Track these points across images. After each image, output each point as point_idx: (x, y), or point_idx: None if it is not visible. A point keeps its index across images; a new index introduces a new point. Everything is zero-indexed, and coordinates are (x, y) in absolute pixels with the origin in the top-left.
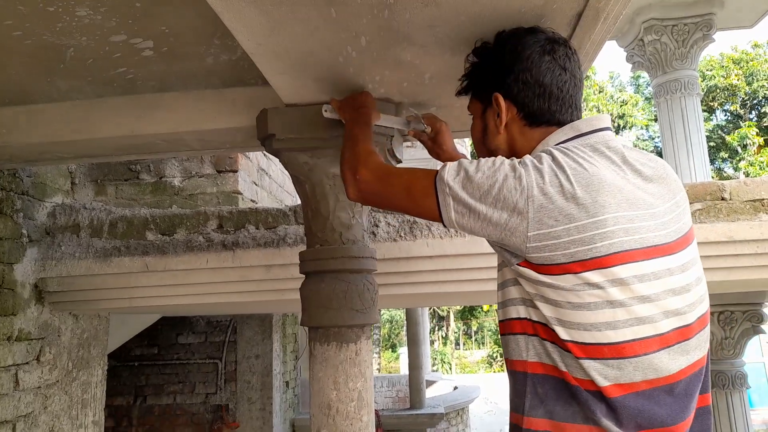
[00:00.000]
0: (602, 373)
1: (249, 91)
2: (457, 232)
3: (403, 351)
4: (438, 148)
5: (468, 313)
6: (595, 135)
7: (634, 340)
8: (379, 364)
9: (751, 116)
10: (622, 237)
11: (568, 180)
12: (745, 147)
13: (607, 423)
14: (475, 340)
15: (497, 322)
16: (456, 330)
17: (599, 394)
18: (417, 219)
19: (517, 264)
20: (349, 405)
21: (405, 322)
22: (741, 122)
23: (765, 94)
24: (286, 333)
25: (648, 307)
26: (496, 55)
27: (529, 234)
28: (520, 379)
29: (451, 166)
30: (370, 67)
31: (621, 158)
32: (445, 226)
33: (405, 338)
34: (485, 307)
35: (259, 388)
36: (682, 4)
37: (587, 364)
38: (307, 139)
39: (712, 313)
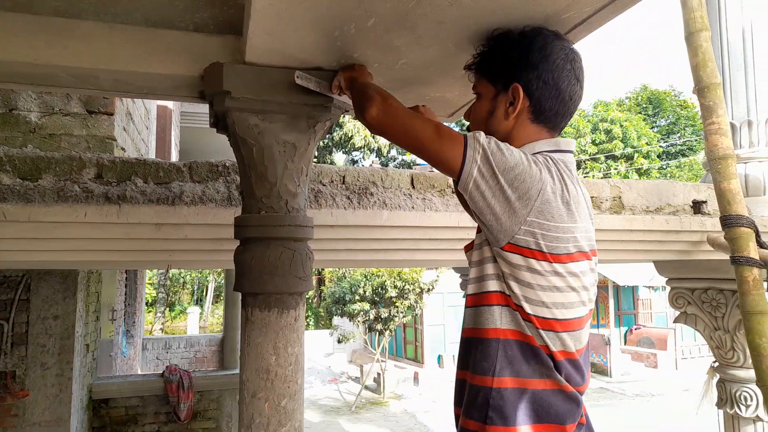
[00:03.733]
0: (553, 342)
1: (187, 37)
2: (359, 203)
3: (192, 311)
4: None
5: None
6: (567, 155)
7: (575, 318)
8: (162, 324)
9: None
10: (581, 242)
11: (566, 189)
12: None
13: (558, 377)
14: None
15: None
16: None
17: (551, 356)
18: (321, 189)
19: (501, 248)
20: (287, 369)
21: (205, 283)
22: None
23: None
24: (90, 291)
25: (585, 294)
26: (522, 48)
27: (528, 218)
28: (491, 344)
29: (481, 133)
30: (360, 45)
31: (576, 180)
32: (457, 180)
33: (182, 298)
34: None
35: (56, 353)
36: None
37: (543, 333)
38: (263, 102)
39: None
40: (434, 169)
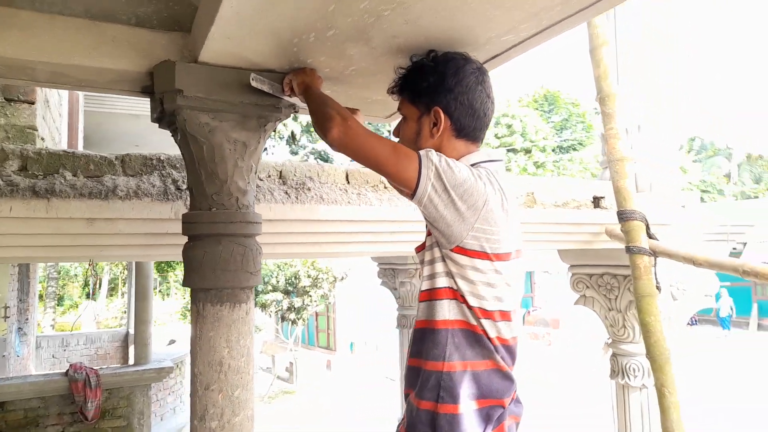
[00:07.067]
0: (492, 329)
1: (132, 32)
2: (297, 198)
3: (86, 305)
4: None
5: (165, 265)
6: (498, 163)
7: (509, 310)
8: (53, 320)
9: None
10: (514, 243)
11: (504, 198)
12: None
13: (497, 358)
14: (160, 291)
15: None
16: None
17: (491, 341)
18: (259, 184)
19: (450, 249)
20: (240, 360)
21: (99, 276)
22: None
23: None
24: None
25: (516, 288)
26: (439, 74)
27: (475, 225)
28: (441, 334)
29: (432, 151)
30: (315, 52)
31: (504, 186)
32: (412, 195)
33: (71, 291)
34: None
35: None
36: None
37: (485, 322)
38: (214, 101)
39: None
40: None
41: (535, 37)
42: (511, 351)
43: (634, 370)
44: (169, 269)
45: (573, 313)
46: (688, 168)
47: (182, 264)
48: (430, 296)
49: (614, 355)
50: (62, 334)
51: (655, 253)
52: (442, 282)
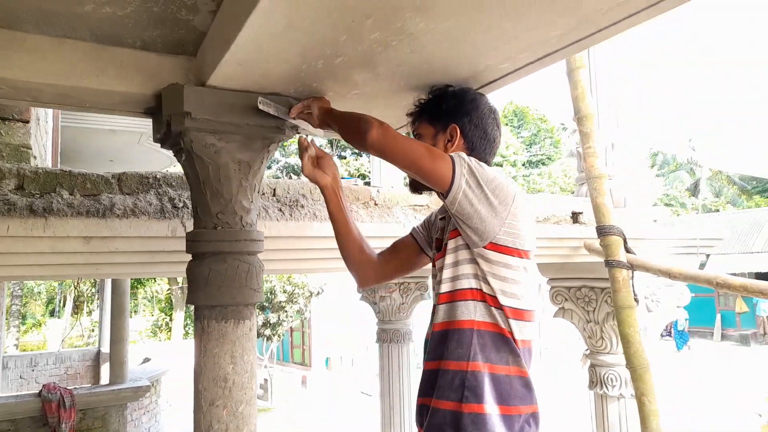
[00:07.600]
0: (518, 330)
1: (139, 56)
2: (291, 215)
3: (52, 324)
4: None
5: (136, 282)
6: None
7: (534, 309)
8: (17, 340)
9: None
10: (533, 241)
11: (526, 198)
12: None
13: (522, 364)
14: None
15: (438, 293)
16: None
17: (515, 343)
18: None
19: (484, 246)
20: (243, 376)
21: (64, 293)
22: None
23: None
24: None
25: (536, 288)
26: (457, 99)
27: (506, 221)
28: (466, 333)
29: (462, 153)
30: (321, 77)
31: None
32: (446, 192)
33: (34, 309)
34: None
35: None
36: None
37: (512, 322)
38: (221, 123)
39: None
40: (358, 183)
41: (530, 66)
42: (532, 353)
43: (612, 380)
44: (139, 286)
45: (546, 325)
46: (652, 182)
47: (154, 281)
48: (453, 298)
49: (592, 365)
50: (30, 353)
51: (632, 267)
52: (467, 284)
